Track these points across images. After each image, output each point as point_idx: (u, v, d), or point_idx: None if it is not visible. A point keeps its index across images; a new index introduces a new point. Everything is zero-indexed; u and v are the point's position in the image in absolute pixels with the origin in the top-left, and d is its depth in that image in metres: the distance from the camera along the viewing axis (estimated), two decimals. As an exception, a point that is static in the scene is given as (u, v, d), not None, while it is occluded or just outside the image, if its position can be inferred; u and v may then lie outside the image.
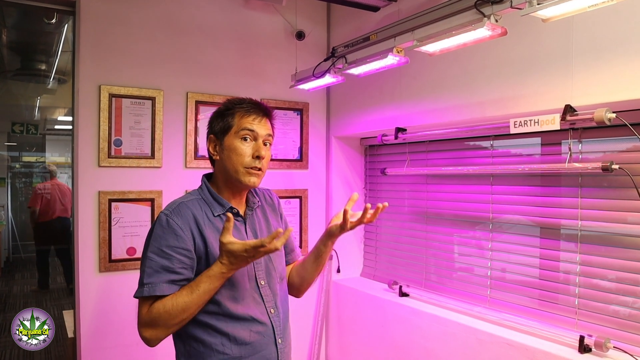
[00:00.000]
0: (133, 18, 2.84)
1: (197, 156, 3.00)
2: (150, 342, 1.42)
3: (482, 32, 1.70)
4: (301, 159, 3.38)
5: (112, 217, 2.77)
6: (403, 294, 2.89)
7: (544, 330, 2.13)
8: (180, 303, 1.37)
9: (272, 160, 3.24)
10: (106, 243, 2.74)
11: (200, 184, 1.60)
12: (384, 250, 3.34)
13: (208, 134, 1.57)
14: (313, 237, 3.45)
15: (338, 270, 3.42)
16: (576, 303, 2.13)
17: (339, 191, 3.47)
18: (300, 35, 3.31)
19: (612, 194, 2.02)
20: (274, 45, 3.29)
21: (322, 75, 2.52)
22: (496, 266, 2.51)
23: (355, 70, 2.35)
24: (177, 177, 2.94)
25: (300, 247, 3.39)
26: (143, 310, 1.41)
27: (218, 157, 1.53)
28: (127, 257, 2.80)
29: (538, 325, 2.17)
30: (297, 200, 3.37)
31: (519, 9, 1.59)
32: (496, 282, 2.50)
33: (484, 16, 1.67)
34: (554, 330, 2.10)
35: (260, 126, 1.51)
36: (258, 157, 1.49)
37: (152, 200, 2.86)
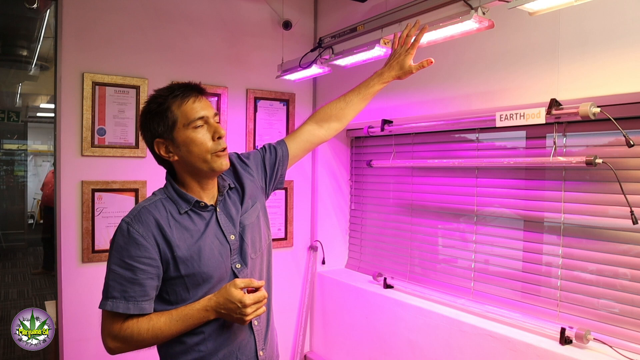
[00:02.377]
0: (117, 4, 2.79)
1: (181, 146, 2.97)
2: (113, 352, 1.37)
3: (469, 25, 1.70)
4: (287, 150, 3.36)
5: (96, 207, 2.74)
6: (387, 286, 2.90)
7: (526, 322, 2.15)
8: (155, 329, 1.34)
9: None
10: (89, 233, 2.72)
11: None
12: (369, 242, 3.34)
13: (149, 140, 1.43)
14: (299, 228, 3.45)
15: (323, 262, 3.42)
16: (558, 295, 2.15)
17: (325, 182, 3.47)
18: (287, 25, 3.28)
19: (595, 187, 2.04)
20: (260, 34, 3.26)
21: (309, 65, 2.50)
22: (480, 259, 2.53)
23: (342, 62, 2.34)
24: (161, 167, 2.90)
25: (285, 238, 3.38)
26: (112, 323, 1.36)
27: (176, 157, 1.42)
28: (110, 247, 2.77)
29: (520, 317, 2.19)
30: (283, 191, 3.36)
31: (507, 1, 1.59)
32: (480, 274, 2.52)
33: (472, 8, 1.66)
34: (535, 322, 2.12)
35: (202, 107, 1.42)
36: (219, 138, 1.42)
37: (136, 191, 2.84)
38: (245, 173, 1.61)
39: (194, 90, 1.43)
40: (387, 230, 3.17)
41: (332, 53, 2.39)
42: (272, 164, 1.71)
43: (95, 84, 2.73)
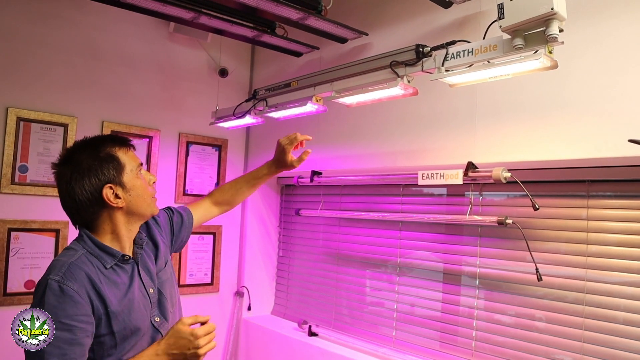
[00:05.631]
0: (50, 40, 2.75)
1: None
2: None
3: (395, 91, 1.82)
4: (217, 195, 3.36)
5: (11, 247, 2.62)
6: (312, 334, 2.92)
7: (443, 372, 2.24)
8: None
9: (187, 194, 3.22)
10: (1, 275, 2.58)
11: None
12: (296, 289, 3.37)
13: (98, 186, 1.38)
14: (225, 273, 3.42)
15: (249, 308, 3.40)
16: (473, 345, 2.26)
17: (254, 229, 3.48)
18: (223, 73, 3.34)
19: (507, 244, 2.19)
20: (196, 80, 3.30)
21: (243, 115, 2.55)
22: (402, 308, 2.62)
23: (275, 114, 2.40)
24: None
25: (211, 283, 3.34)
26: None
27: (124, 203, 1.41)
28: (25, 290, 2.64)
29: (438, 367, 2.28)
30: (211, 236, 3.34)
31: (429, 73, 1.72)
32: (401, 323, 2.60)
33: (398, 76, 1.79)
34: (452, 372, 2.22)
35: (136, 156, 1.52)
36: (153, 183, 1.53)
37: (57, 231, 2.73)
38: (156, 229, 1.64)
39: (129, 142, 1.51)
40: (313, 277, 3.22)
41: (266, 105, 2.44)
42: (178, 227, 1.75)
43: (20, 119, 2.65)
